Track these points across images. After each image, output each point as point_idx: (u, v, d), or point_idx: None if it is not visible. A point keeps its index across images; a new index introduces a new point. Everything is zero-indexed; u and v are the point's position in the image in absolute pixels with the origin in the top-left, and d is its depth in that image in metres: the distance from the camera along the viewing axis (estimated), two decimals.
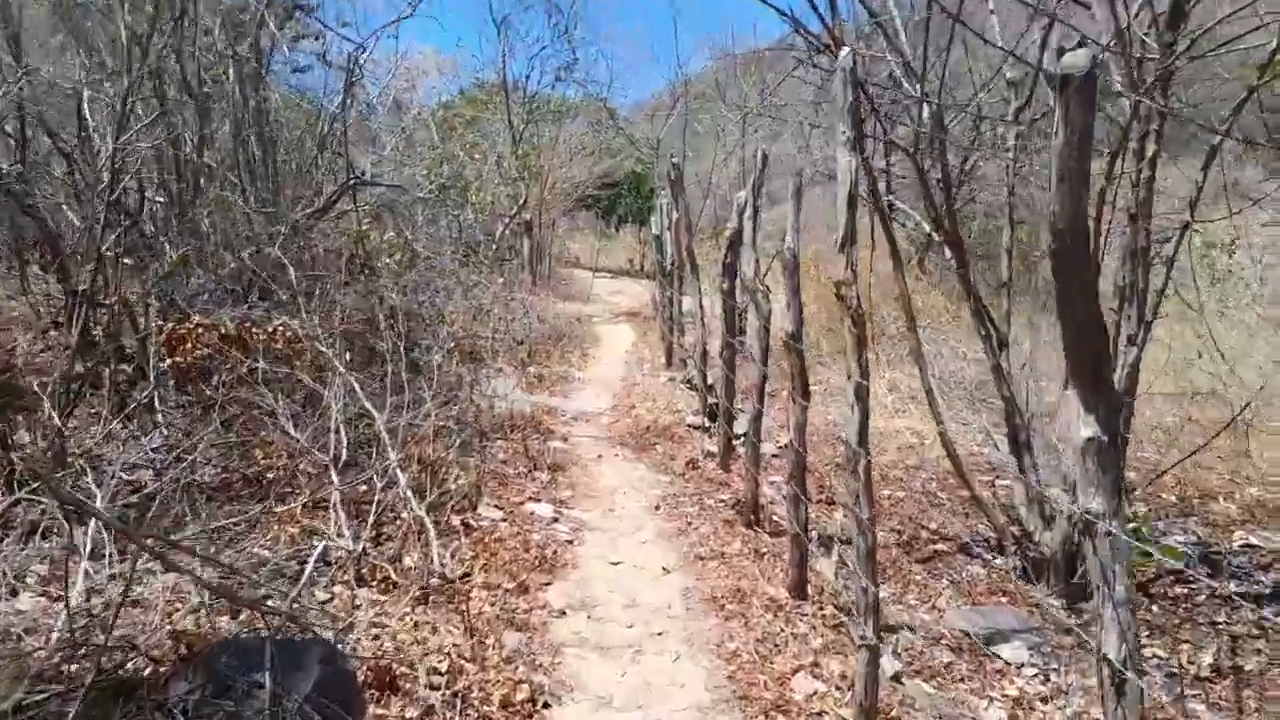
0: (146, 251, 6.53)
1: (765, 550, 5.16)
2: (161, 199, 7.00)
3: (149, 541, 2.74)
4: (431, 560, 4.36)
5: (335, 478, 4.41)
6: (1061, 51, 2.00)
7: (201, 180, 7.08)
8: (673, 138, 19.00)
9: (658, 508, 5.93)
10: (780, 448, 7.63)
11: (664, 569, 4.86)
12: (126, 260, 6.35)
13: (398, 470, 4.64)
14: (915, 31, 6.10)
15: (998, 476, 7.91)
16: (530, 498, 5.88)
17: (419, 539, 4.52)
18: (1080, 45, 2.79)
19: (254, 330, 5.37)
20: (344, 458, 4.62)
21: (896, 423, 9.58)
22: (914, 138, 5.89)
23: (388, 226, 12.62)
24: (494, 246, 14.32)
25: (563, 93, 17.95)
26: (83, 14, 5.94)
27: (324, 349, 5.12)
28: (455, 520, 5.14)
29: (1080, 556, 5.37)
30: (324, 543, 4.19)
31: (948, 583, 5.61)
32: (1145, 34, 4.70)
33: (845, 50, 3.17)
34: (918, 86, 5.37)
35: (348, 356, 6.14)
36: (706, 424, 8.09)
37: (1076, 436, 2.12)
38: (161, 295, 6.09)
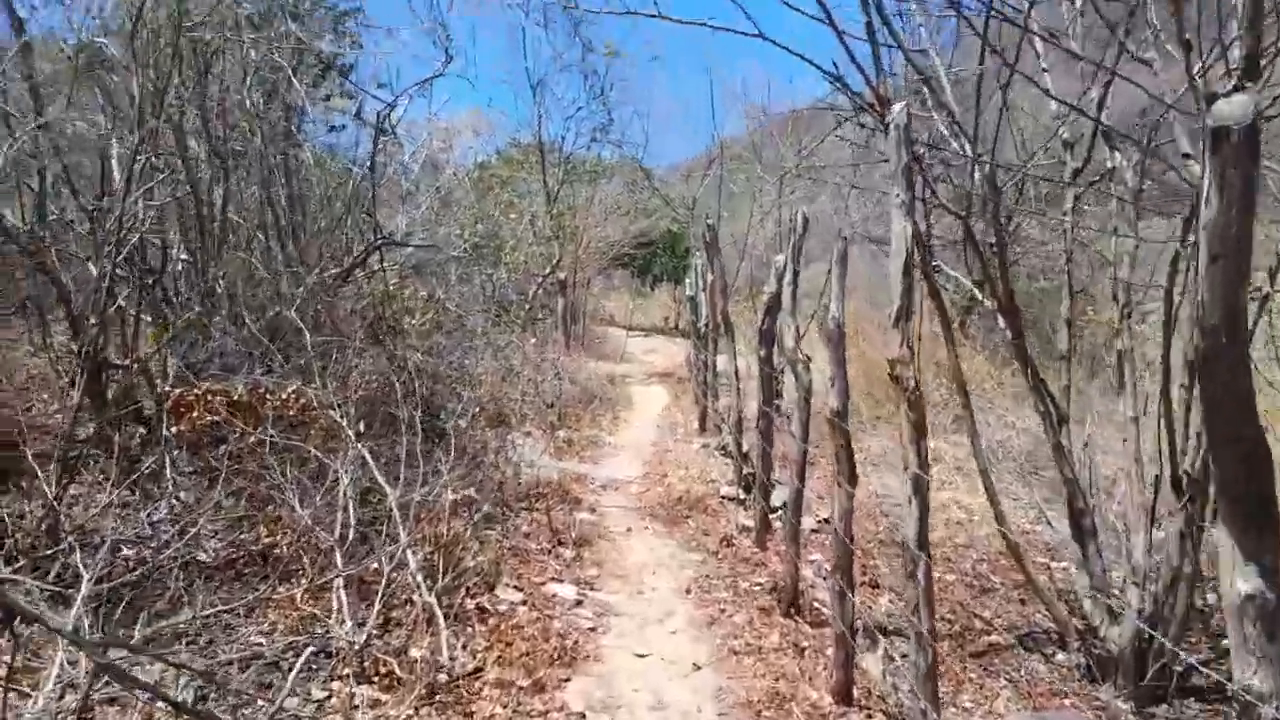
0: (169, 311, 6.37)
1: (806, 644, 4.72)
2: (185, 257, 6.87)
3: (112, 651, 2.43)
4: (440, 653, 4.01)
5: (339, 560, 4.09)
6: (1214, 98, 1.65)
7: (226, 238, 6.95)
8: (708, 198, 18.85)
9: (689, 591, 5.53)
10: (820, 522, 7.21)
11: (695, 665, 4.44)
12: (146, 319, 6.20)
13: (408, 552, 4.31)
14: (957, 88, 5.83)
15: (1054, 557, 7.39)
16: (553, 578, 5.50)
17: (428, 628, 4.17)
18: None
19: (266, 397, 5.12)
20: (351, 537, 4.29)
21: (942, 496, 9.09)
22: (964, 199, 5.58)
23: (418, 286, 12.51)
24: (527, 306, 14.15)
25: (598, 153, 17.96)
26: (107, 68, 5.86)
27: (336, 417, 4.84)
28: (471, 604, 4.79)
29: (1152, 655, 4.88)
30: (318, 637, 3.86)
31: (1005, 682, 5.12)
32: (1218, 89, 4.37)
33: (898, 106, 2.87)
34: (966, 145, 5.07)
35: (364, 425, 5.87)
36: (741, 495, 7.69)
37: (1229, 591, 1.70)
38: (178, 357, 5.91)
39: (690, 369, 15.95)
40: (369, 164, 7.45)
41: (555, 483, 7.87)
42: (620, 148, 18.03)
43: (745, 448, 8.16)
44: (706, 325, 10.42)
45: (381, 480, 4.66)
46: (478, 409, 7.82)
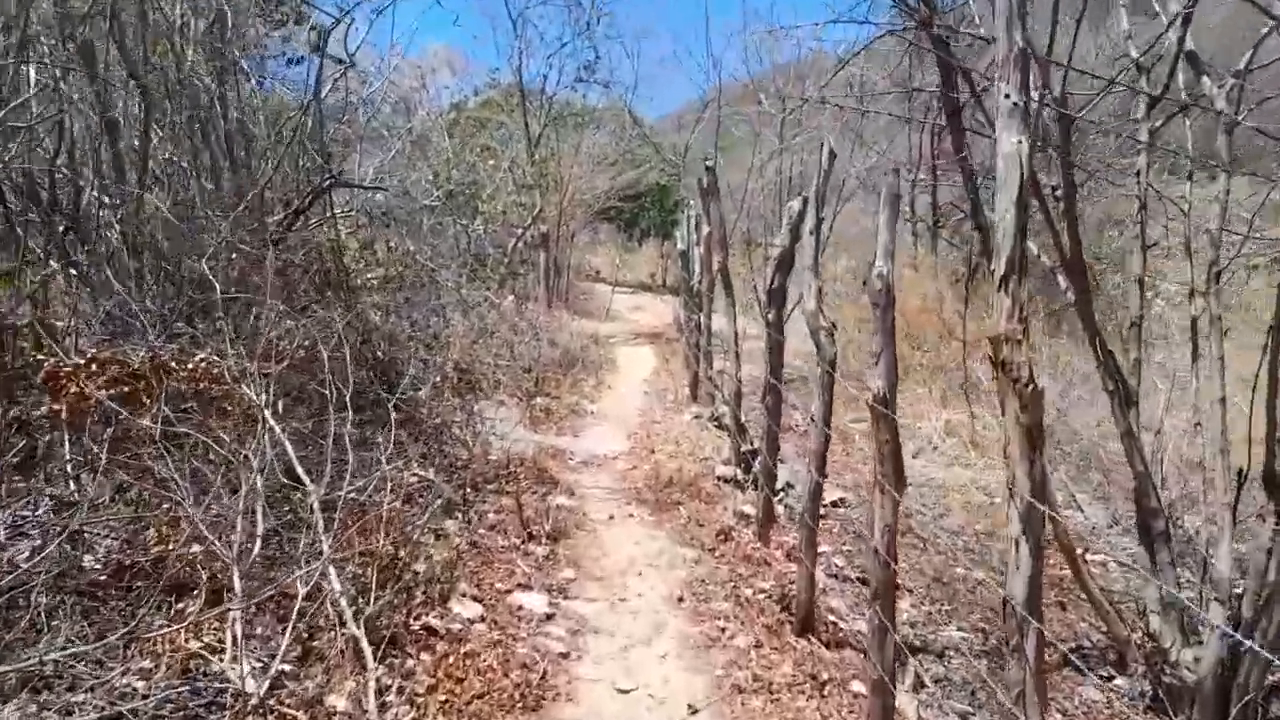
0: (85, 259, 5.37)
1: (826, 675, 3.86)
2: (101, 198, 5.85)
3: None
4: (366, 700, 3.12)
5: (237, 581, 3.16)
6: None
7: (145, 178, 5.92)
8: (704, 146, 17.81)
9: (681, 599, 4.65)
10: (828, 505, 6.36)
11: (691, 708, 3.57)
12: (55, 266, 5.22)
13: (330, 566, 3.39)
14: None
15: (1087, 550, 6.57)
16: (520, 583, 4.61)
17: (354, 666, 3.28)
18: None
19: (171, 367, 4.16)
20: (256, 549, 3.37)
21: (958, 474, 8.26)
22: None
23: (386, 238, 11.48)
24: (505, 260, 13.14)
25: (583, 95, 16.69)
26: None
27: (250, 393, 3.89)
28: (416, 623, 3.89)
29: (1237, 689, 4.07)
30: (207, 682, 2.96)
31: (1058, 715, 4.31)
32: None
33: None
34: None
35: (299, 400, 4.94)
36: (739, 476, 6.81)
37: None
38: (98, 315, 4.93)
39: (680, 329, 15.01)
40: (313, 90, 6.39)
41: (530, 460, 6.96)
42: (607, 88, 16.81)
43: (743, 419, 7.27)
44: (700, 282, 9.47)
45: (300, 472, 3.72)
46: (441, 376, 6.87)
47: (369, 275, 7.53)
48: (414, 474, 5.92)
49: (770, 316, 5.31)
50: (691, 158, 17.38)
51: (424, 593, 4.24)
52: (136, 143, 5.91)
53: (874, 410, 3.09)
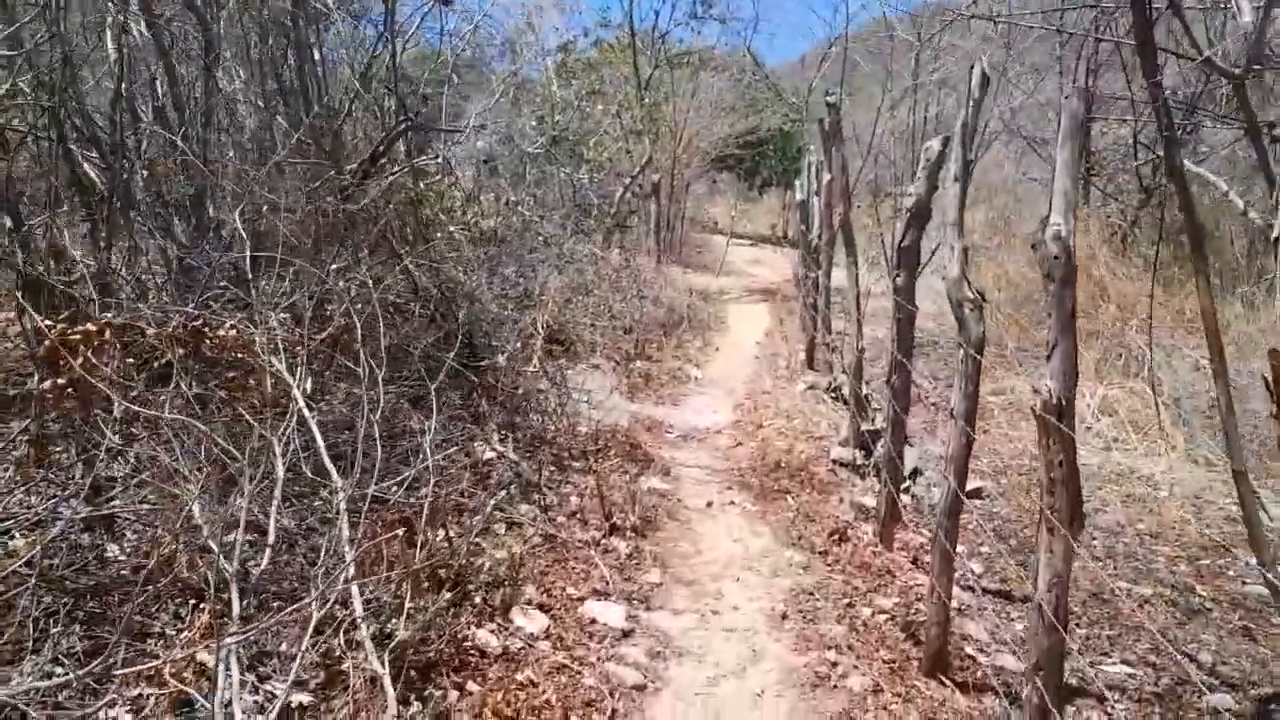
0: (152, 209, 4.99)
1: None
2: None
3: None
4: None
5: (235, 602, 2.63)
6: None
7: (211, 119, 5.50)
8: (829, 88, 16.60)
9: (785, 616, 3.93)
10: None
11: None
12: (120, 221, 4.84)
13: (353, 588, 2.83)
14: None
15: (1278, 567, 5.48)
16: (596, 589, 3.99)
17: (376, 706, 2.72)
18: None
19: (200, 337, 3.68)
20: (265, 560, 2.84)
21: (1115, 460, 7.16)
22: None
23: (485, 187, 10.98)
24: (611, 211, 12.46)
25: (698, 33, 15.54)
26: None
27: (279, 366, 3.35)
28: (469, 639, 3.32)
29: None
30: None
31: None
32: None
33: None
34: None
35: (346, 373, 4.41)
36: (859, 460, 5.99)
37: None
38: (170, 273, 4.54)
39: (798, 287, 14.06)
40: (385, 30, 5.79)
41: (622, 433, 6.34)
42: (724, 24, 15.70)
43: (865, 392, 6.42)
44: (819, 237, 8.55)
45: (328, 463, 3.17)
46: (524, 341, 6.28)
47: (455, 228, 6.98)
48: (493, 449, 5.39)
49: (899, 280, 4.44)
50: (815, 100, 16.18)
51: (483, 598, 3.68)
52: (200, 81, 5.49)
53: (1043, 422, 2.26)
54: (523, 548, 4.21)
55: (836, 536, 4.70)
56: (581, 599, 3.89)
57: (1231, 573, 5.23)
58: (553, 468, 5.50)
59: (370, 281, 4.32)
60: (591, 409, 6.62)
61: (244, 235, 3.92)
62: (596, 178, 12.27)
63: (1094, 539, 5.60)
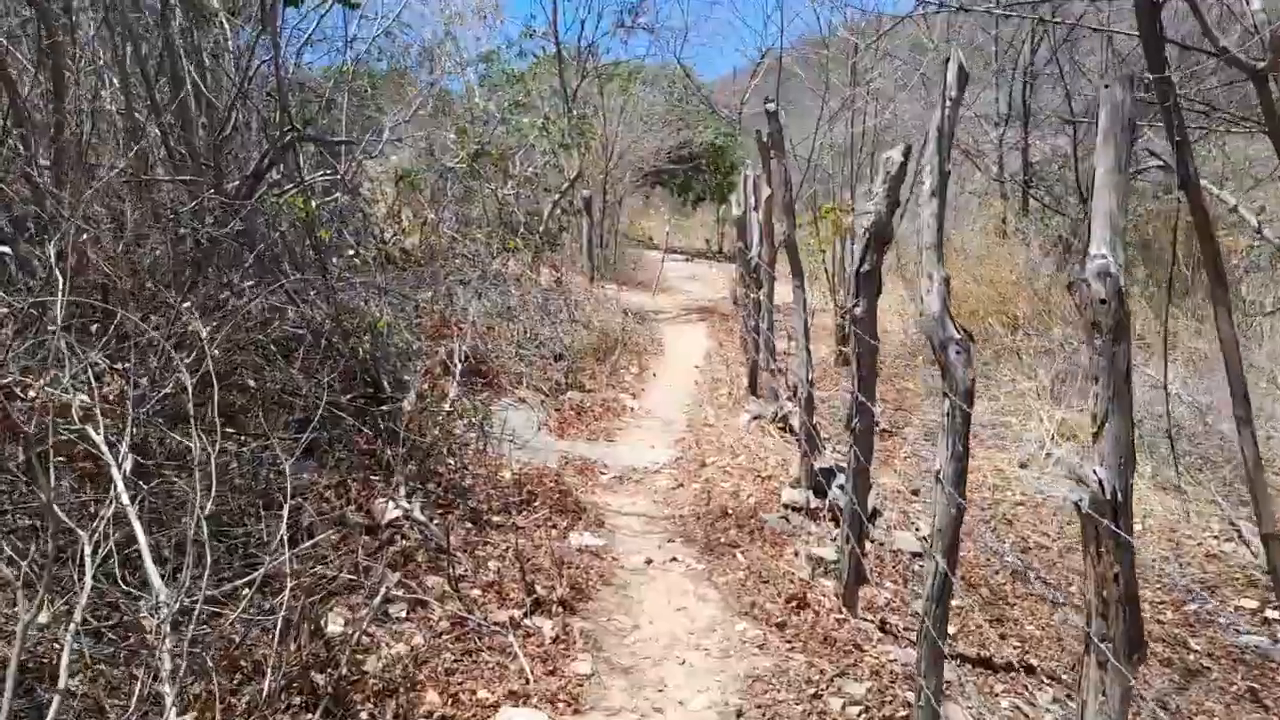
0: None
1: None
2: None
3: None
4: None
5: None
6: None
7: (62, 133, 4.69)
8: (762, 101, 16.23)
9: (740, 715, 3.31)
10: (923, 539, 4.95)
11: None
12: None
13: None
14: None
15: (1268, 600, 5.08)
16: (512, 691, 3.31)
17: None
18: None
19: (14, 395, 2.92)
20: None
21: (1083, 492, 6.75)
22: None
23: (398, 203, 10.24)
24: (540, 229, 11.79)
25: (625, 43, 14.87)
26: None
27: (95, 437, 2.61)
28: None
29: None
30: None
31: None
32: None
33: None
34: None
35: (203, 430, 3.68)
36: (811, 503, 5.42)
37: None
38: None
39: (736, 306, 13.56)
40: (259, 28, 5.03)
41: (552, 476, 5.69)
42: (653, 34, 15.13)
43: (811, 423, 5.86)
44: (759, 254, 8.01)
45: (149, 566, 2.44)
46: (432, 378, 5.58)
47: (364, 249, 6.24)
48: (398, 507, 4.67)
49: (859, 309, 3.88)
50: (748, 113, 15.77)
51: (371, 714, 2.98)
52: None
53: (1092, 524, 1.68)
54: (426, 637, 3.53)
55: (795, 604, 4.10)
56: (495, 705, 3.20)
57: (1222, 620, 4.79)
58: (469, 525, 4.81)
59: (241, 319, 3.59)
60: (517, 448, 5.96)
61: (59, 273, 3.16)
62: (523, 193, 11.59)
63: (1071, 585, 5.13)
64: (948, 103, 2.85)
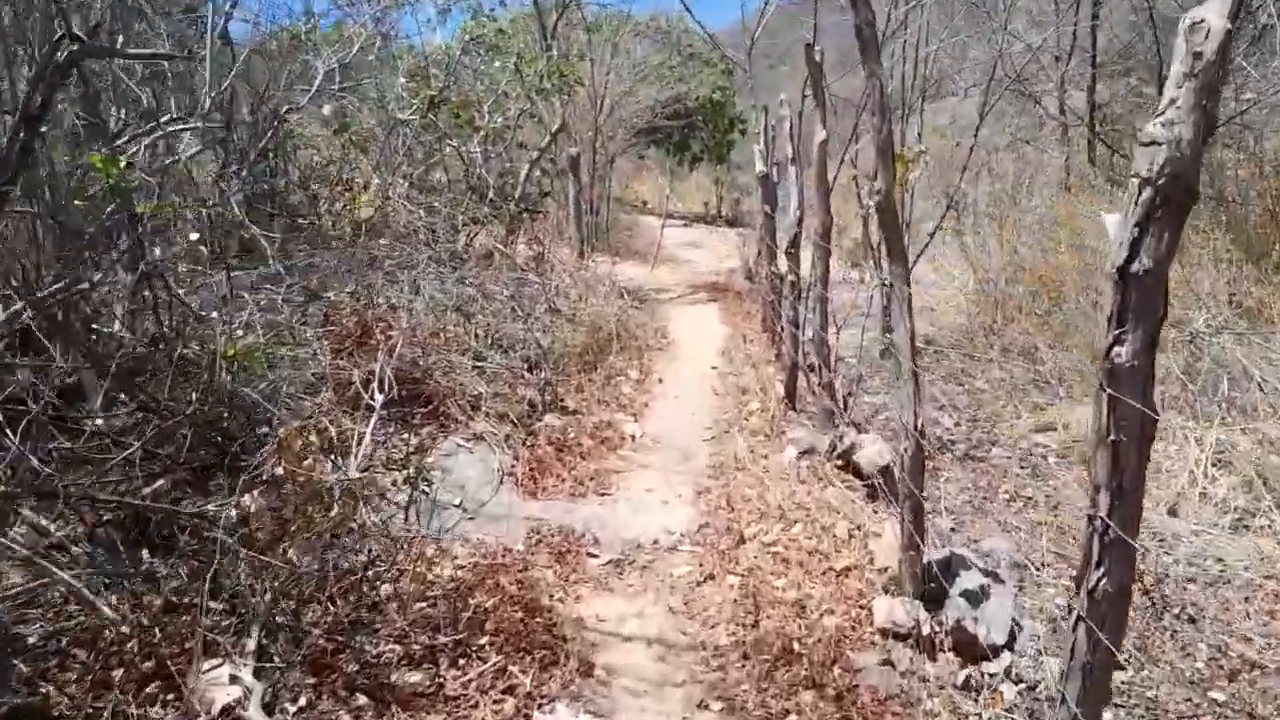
0: None
1: None
2: None
3: None
4: None
5: None
6: None
7: None
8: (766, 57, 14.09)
9: None
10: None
11: None
12: None
13: None
14: None
15: None
16: None
17: None
18: None
19: None
20: None
21: (1262, 545, 4.77)
22: None
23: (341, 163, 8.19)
24: (516, 194, 9.69)
25: None
26: None
27: None
28: None
29: None
30: None
31: None
32: None
33: None
34: None
35: None
36: (924, 624, 3.42)
37: None
38: None
39: (751, 277, 11.49)
40: None
41: (514, 572, 3.72)
42: None
43: (921, 495, 3.86)
44: (798, 222, 5.95)
45: None
46: (295, 441, 3.54)
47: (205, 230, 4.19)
48: (239, 684, 2.69)
49: (1122, 354, 1.86)
50: (757, 57, 13.55)
51: None
52: None
53: None
54: None
55: None
56: None
57: None
58: (363, 699, 2.82)
59: None
60: (466, 518, 4.01)
61: None
62: (494, 152, 9.47)
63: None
64: None
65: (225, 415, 3.44)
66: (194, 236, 3.58)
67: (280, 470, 2.92)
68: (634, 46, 19.11)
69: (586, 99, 14.42)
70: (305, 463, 2.96)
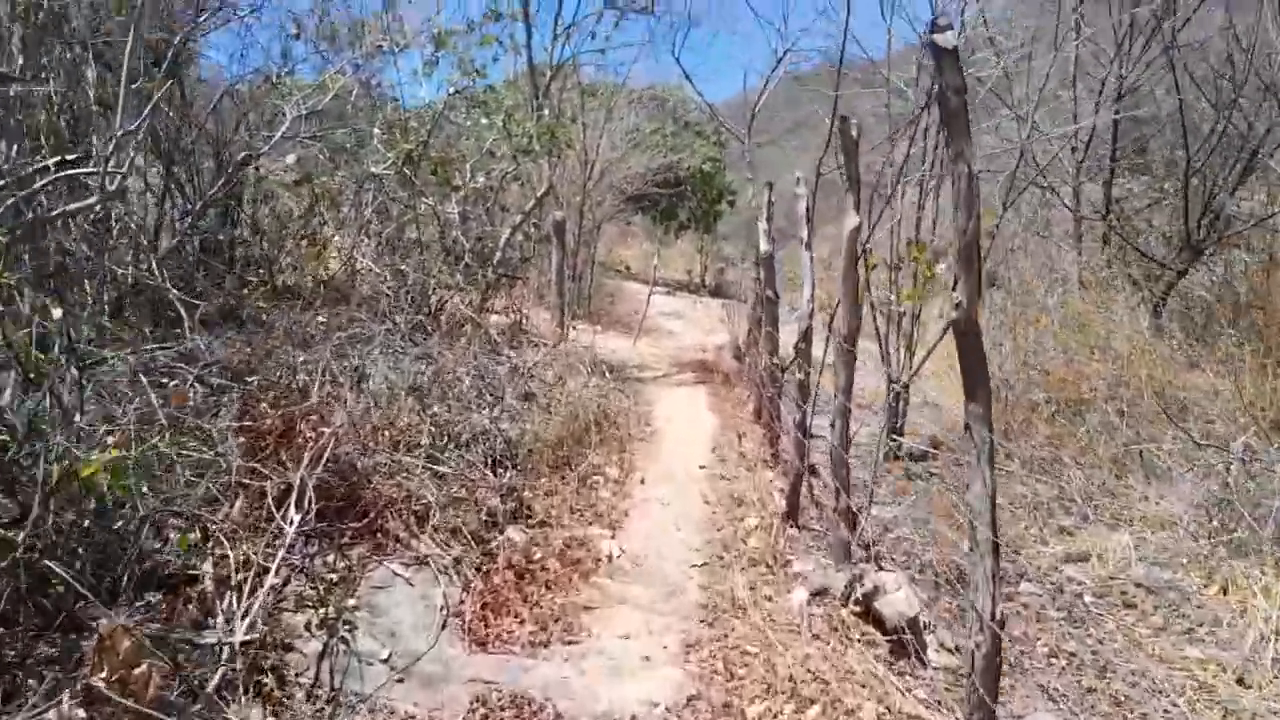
0: None
1: None
2: None
3: None
4: None
5: None
6: None
7: None
8: (776, 113, 13.60)
9: None
10: None
11: None
12: None
13: None
14: None
15: None
16: None
17: None
18: None
19: None
20: None
21: None
22: None
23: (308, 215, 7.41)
24: (495, 259, 8.90)
25: (617, 28, 11.86)
26: None
27: None
28: None
29: None
30: None
31: None
32: None
33: None
34: None
35: None
36: None
37: None
38: None
39: (740, 357, 10.74)
40: None
41: None
42: (650, 14, 12.22)
43: (989, 696, 3.01)
44: (809, 324, 5.18)
45: None
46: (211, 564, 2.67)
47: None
48: None
49: None
50: (757, 130, 13.02)
51: None
52: None
53: None
54: None
55: None
56: None
57: None
58: None
59: None
60: (395, 678, 3.12)
61: None
62: (473, 212, 8.71)
63: None
64: None
65: (74, 553, 2.54)
66: (57, 314, 2.73)
67: (98, 681, 2.03)
68: (628, 113, 18.71)
69: (576, 162, 13.81)
70: (138, 670, 2.07)
